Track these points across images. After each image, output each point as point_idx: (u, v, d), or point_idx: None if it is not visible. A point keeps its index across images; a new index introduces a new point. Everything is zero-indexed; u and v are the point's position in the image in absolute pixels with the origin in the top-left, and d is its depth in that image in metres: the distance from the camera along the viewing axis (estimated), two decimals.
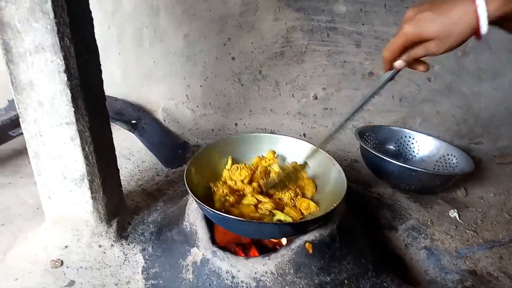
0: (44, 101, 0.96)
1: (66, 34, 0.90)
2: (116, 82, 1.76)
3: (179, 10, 1.60)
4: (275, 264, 0.93)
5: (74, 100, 0.96)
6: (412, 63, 0.72)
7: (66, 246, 1.11)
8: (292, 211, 1.00)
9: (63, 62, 0.91)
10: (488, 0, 0.59)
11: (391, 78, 0.77)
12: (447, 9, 0.63)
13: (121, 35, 1.67)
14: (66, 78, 0.93)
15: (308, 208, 1.03)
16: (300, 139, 1.22)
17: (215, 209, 0.91)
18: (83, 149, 1.02)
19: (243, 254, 1.07)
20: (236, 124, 1.80)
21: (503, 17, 0.60)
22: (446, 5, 0.63)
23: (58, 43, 0.89)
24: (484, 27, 0.60)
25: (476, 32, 0.61)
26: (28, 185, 1.40)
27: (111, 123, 1.56)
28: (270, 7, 1.59)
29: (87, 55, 0.99)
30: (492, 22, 0.60)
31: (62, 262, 1.08)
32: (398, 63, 0.71)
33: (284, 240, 1.06)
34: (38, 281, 1.02)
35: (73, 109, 0.97)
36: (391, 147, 1.62)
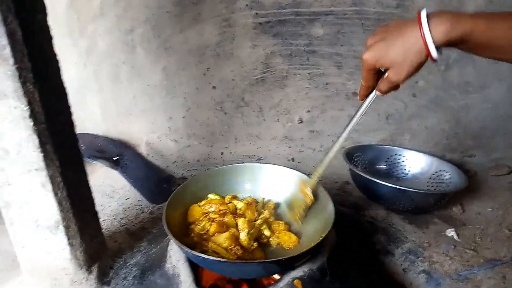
0: (10, 148, 0.91)
1: (29, 79, 0.86)
2: (95, 120, 1.73)
3: (155, 44, 1.59)
4: None
5: (42, 145, 0.92)
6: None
7: None
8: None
9: (27, 108, 0.87)
10: (433, 27, 0.63)
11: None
12: (398, 38, 0.68)
13: (97, 72, 1.64)
14: (32, 124, 0.88)
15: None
16: (284, 166, 1.18)
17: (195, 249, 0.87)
18: (56, 194, 0.97)
19: None
20: (222, 153, 1.76)
21: (453, 42, 0.64)
22: (398, 33, 0.68)
23: (21, 89, 0.85)
24: (433, 52, 0.65)
25: (428, 55, 0.65)
26: (7, 233, 1.34)
27: (92, 161, 1.53)
28: (247, 34, 1.58)
29: (54, 99, 0.95)
30: (443, 45, 0.64)
31: None
32: (375, 94, 0.80)
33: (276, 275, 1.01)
34: None
35: (42, 155, 0.92)
36: (382, 166, 1.57)
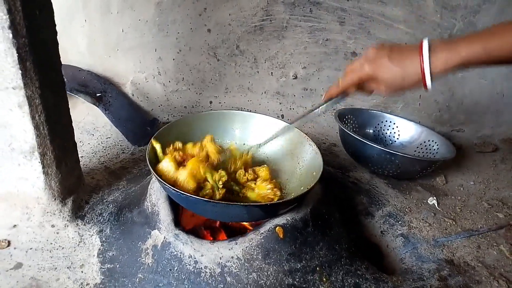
0: None
1: None
2: (80, 51, 1.62)
3: None
4: (242, 249, 0.86)
5: (21, 61, 0.85)
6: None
7: (14, 225, 1.01)
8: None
9: (7, 16, 0.79)
10: (433, 59, 0.68)
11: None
12: (401, 62, 0.73)
13: (86, 0, 1.53)
14: (11, 36, 0.81)
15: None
16: (275, 118, 1.15)
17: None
18: (33, 118, 0.91)
19: (211, 238, 1.00)
20: (211, 102, 1.70)
21: (451, 70, 0.69)
22: (400, 57, 0.73)
23: None
24: (429, 84, 0.70)
25: (424, 85, 0.71)
26: None
27: (74, 95, 1.46)
28: None
29: (37, 12, 0.87)
30: (442, 75, 0.70)
31: (9, 242, 0.98)
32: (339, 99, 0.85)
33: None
34: None
35: (21, 72, 0.85)
36: (371, 131, 1.56)
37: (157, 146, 0.97)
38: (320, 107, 0.89)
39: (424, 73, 0.69)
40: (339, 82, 0.83)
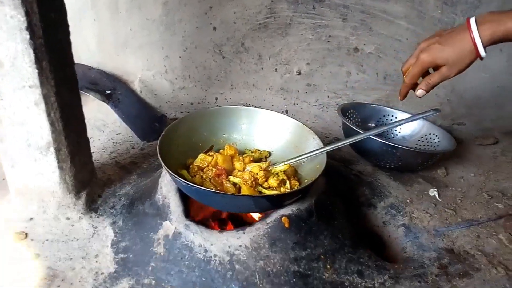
0: (5, 61, 0.88)
1: None
2: (90, 50, 1.67)
3: None
4: (250, 238, 0.90)
5: (38, 61, 0.89)
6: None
7: (31, 218, 1.06)
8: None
9: (24, 18, 0.83)
10: (481, 31, 0.78)
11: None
12: (452, 41, 0.81)
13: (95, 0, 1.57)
14: (28, 37, 0.85)
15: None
16: (280, 113, 1.18)
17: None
18: (49, 115, 0.96)
19: (218, 229, 1.04)
20: (216, 99, 1.74)
21: (498, 40, 0.78)
22: (451, 38, 0.82)
23: None
24: (482, 53, 0.80)
25: (477, 55, 0.80)
26: None
27: (84, 92, 1.50)
28: None
29: (52, 14, 0.91)
30: (490, 45, 0.79)
31: (26, 234, 1.02)
32: (420, 93, 0.90)
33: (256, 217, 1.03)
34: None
35: (37, 71, 0.89)
36: (373, 125, 1.59)
37: (184, 173, 1.02)
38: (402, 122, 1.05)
39: (476, 44, 0.78)
40: (404, 80, 0.92)
